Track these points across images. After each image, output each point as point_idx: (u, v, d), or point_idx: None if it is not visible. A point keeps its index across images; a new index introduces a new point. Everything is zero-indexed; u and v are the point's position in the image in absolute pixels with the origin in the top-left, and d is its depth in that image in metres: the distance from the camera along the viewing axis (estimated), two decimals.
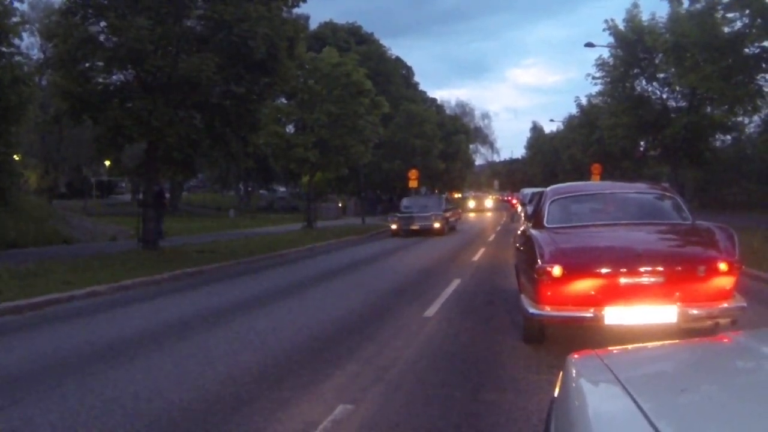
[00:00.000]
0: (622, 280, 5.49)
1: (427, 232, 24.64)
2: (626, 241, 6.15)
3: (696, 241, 6.23)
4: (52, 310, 9.03)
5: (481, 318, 8.16)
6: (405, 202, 28.48)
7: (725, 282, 5.56)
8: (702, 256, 5.75)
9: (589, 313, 5.50)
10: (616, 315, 5.47)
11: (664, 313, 5.47)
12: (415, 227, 24.97)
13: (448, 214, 26.77)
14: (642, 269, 5.50)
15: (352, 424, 4.38)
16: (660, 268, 5.51)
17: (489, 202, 66.96)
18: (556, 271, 5.50)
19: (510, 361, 5.95)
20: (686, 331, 5.87)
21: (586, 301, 5.53)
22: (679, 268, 5.59)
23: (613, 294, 5.47)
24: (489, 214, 49.38)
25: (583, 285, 5.56)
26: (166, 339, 7.13)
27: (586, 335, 6.48)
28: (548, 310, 5.71)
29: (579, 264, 5.66)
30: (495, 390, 5.03)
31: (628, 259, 5.59)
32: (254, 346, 6.72)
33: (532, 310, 5.85)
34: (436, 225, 24.88)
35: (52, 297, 9.48)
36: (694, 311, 5.45)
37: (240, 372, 5.66)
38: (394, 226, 25.55)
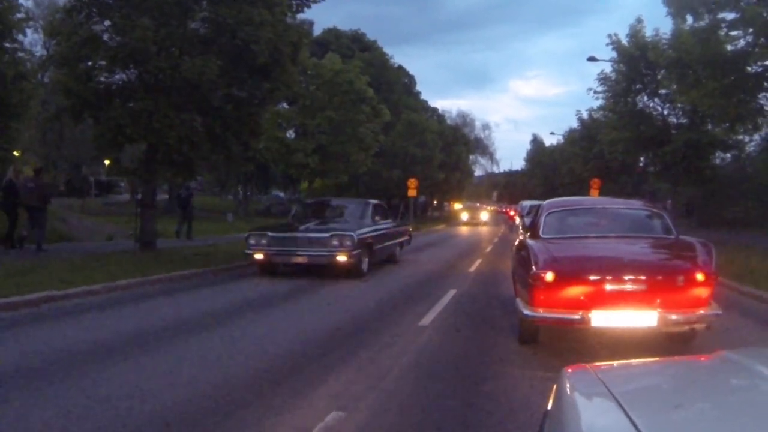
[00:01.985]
0: (608, 287, 5.97)
1: (323, 270, 13.29)
2: (613, 251, 6.70)
3: (677, 253, 6.76)
4: (47, 308, 8.99)
5: (476, 327, 8.17)
6: (298, 208, 17.86)
7: (702, 291, 6.05)
8: (681, 267, 6.27)
9: (577, 316, 5.98)
10: (601, 318, 5.95)
11: (646, 318, 5.93)
12: (298, 259, 13.18)
13: (372, 237, 14.04)
14: (626, 277, 6.00)
15: (344, 431, 4.36)
16: (643, 277, 6.00)
17: (485, 215, 57.44)
18: (549, 276, 6.01)
19: (504, 370, 5.97)
20: (666, 334, 6.48)
21: (575, 304, 6.01)
22: (660, 278, 6.08)
23: (599, 299, 5.95)
24: (485, 228, 45.56)
25: (573, 290, 6.05)
26: (160, 340, 7.11)
27: (580, 344, 6.57)
28: (541, 312, 6.18)
29: (569, 271, 6.15)
30: (488, 399, 5.02)
31: (614, 267, 6.09)
32: (248, 350, 6.70)
33: (526, 311, 6.31)
34: (340, 258, 12.70)
35: (48, 294, 9.43)
36: (673, 317, 5.92)
37: (233, 376, 5.65)
38: (258, 257, 13.27)
